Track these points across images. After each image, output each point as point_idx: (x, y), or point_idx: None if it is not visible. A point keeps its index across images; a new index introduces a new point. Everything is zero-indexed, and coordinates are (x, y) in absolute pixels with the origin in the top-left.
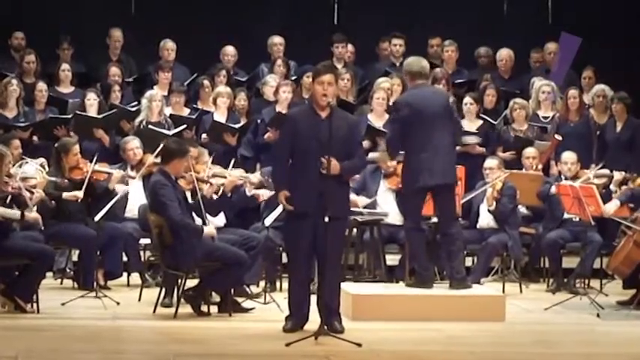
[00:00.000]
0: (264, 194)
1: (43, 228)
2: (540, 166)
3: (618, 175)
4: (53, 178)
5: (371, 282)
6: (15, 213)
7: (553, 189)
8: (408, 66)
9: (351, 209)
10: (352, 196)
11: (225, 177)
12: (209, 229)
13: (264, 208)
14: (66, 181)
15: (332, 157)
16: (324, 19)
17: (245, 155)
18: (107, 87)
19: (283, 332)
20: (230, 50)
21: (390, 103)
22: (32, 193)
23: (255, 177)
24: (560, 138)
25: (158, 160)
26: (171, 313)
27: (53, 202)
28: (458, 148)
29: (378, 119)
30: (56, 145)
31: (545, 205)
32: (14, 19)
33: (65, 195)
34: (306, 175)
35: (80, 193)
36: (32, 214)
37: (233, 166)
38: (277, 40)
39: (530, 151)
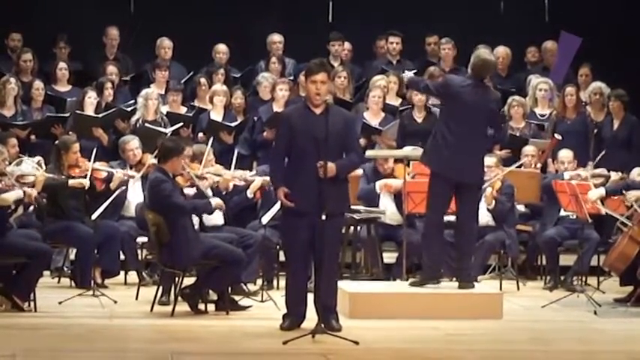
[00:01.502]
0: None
1: (45, 200)
2: (539, 165)
3: (615, 176)
4: (51, 175)
5: (368, 280)
6: (18, 193)
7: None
8: (475, 57)
9: (350, 207)
10: (389, 181)
11: (220, 175)
12: (215, 201)
13: (261, 207)
14: (63, 177)
15: (328, 153)
16: (320, 17)
17: (242, 153)
18: (101, 85)
19: (280, 330)
20: (222, 48)
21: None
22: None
23: (258, 180)
24: (559, 137)
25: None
26: (169, 311)
27: (44, 200)
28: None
29: (373, 117)
30: (56, 142)
31: (544, 202)
32: (11, 18)
33: (72, 182)
34: (303, 173)
35: (86, 181)
36: (29, 191)
37: (236, 166)
38: (277, 38)
39: (529, 149)
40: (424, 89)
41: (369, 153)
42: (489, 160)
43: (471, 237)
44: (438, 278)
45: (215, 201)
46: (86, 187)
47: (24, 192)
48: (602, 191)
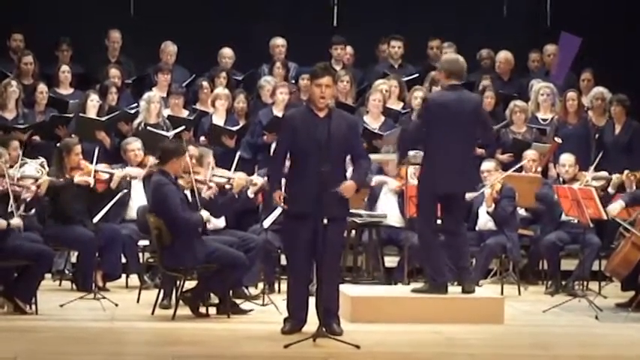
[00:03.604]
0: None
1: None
2: (540, 169)
3: (616, 179)
4: (54, 178)
5: (369, 284)
6: (1, 223)
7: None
8: (445, 63)
9: (350, 210)
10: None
11: (228, 178)
12: (205, 215)
13: (262, 210)
14: (67, 178)
15: (330, 157)
16: (324, 21)
17: (244, 157)
18: (105, 88)
19: (282, 334)
20: (227, 52)
21: (414, 100)
22: (26, 190)
23: (259, 180)
24: (560, 141)
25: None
26: (170, 314)
27: (46, 197)
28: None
29: (374, 121)
30: (58, 144)
31: (544, 207)
32: (13, 21)
33: (77, 179)
34: (305, 176)
35: (91, 179)
36: (15, 221)
37: (235, 168)
38: (280, 41)
39: (530, 154)
40: (415, 130)
41: (371, 157)
42: (488, 165)
43: (465, 237)
44: (446, 289)
45: (205, 215)
46: (91, 185)
47: (8, 224)
48: (622, 204)
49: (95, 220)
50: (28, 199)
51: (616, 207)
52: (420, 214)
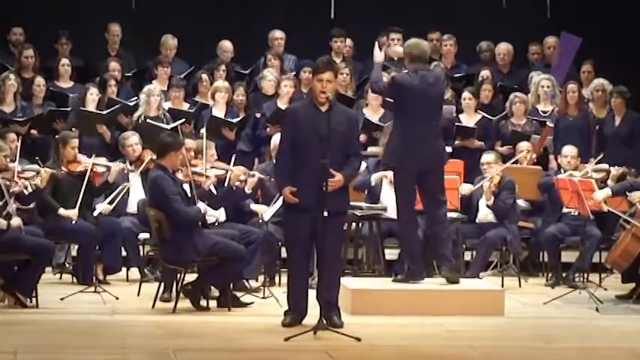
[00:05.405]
0: (260, 209)
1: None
2: (534, 156)
3: (615, 171)
4: (55, 171)
5: (370, 276)
6: (2, 223)
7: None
8: (407, 48)
9: (351, 203)
10: (384, 173)
11: (226, 170)
12: (202, 207)
13: (262, 203)
14: (63, 171)
15: (331, 151)
16: (322, 14)
17: (243, 150)
18: (105, 82)
19: (282, 327)
20: (227, 45)
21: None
22: (14, 183)
23: (258, 175)
24: (552, 125)
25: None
26: (171, 307)
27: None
28: (456, 142)
29: (373, 114)
30: (56, 136)
31: (545, 199)
32: (13, 13)
33: (61, 212)
34: (305, 169)
35: (75, 215)
36: (15, 221)
37: (234, 163)
38: (278, 34)
39: (524, 145)
40: (378, 90)
41: (371, 149)
42: (488, 157)
43: (444, 222)
44: (422, 277)
45: (203, 207)
46: (73, 221)
47: (8, 225)
48: (608, 192)
49: (95, 213)
50: (17, 192)
51: (601, 193)
52: (398, 203)
